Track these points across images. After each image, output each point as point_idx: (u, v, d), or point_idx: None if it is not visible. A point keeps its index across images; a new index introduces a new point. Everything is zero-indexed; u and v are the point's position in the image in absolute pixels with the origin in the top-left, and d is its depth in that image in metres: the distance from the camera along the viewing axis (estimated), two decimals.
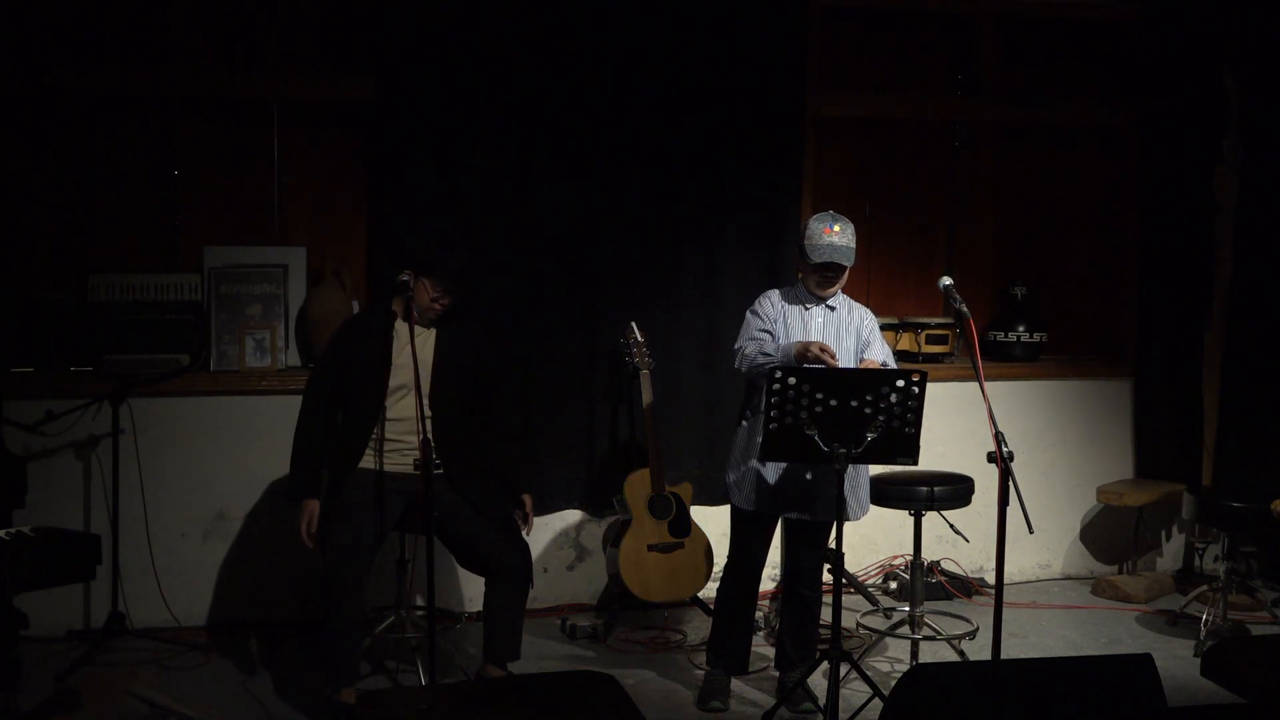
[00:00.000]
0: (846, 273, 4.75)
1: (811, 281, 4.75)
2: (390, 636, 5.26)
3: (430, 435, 4.58)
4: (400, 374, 4.73)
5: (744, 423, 4.84)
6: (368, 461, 4.78)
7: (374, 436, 4.76)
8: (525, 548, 4.92)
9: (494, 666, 4.84)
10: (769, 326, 4.75)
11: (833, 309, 4.80)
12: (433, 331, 4.82)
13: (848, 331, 4.79)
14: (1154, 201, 6.73)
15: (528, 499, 5.01)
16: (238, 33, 5.84)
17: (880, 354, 4.78)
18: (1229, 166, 6.60)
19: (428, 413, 4.65)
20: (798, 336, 4.72)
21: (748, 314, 4.83)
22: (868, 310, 4.89)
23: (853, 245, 4.70)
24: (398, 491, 4.74)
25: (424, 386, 4.64)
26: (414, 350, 4.48)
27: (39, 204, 5.75)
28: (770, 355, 4.60)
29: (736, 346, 4.78)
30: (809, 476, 4.71)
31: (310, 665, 5.25)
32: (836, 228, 4.68)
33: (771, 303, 4.81)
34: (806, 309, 4.78)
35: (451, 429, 4.79)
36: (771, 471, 4.73)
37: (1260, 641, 4.88)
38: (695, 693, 5.02)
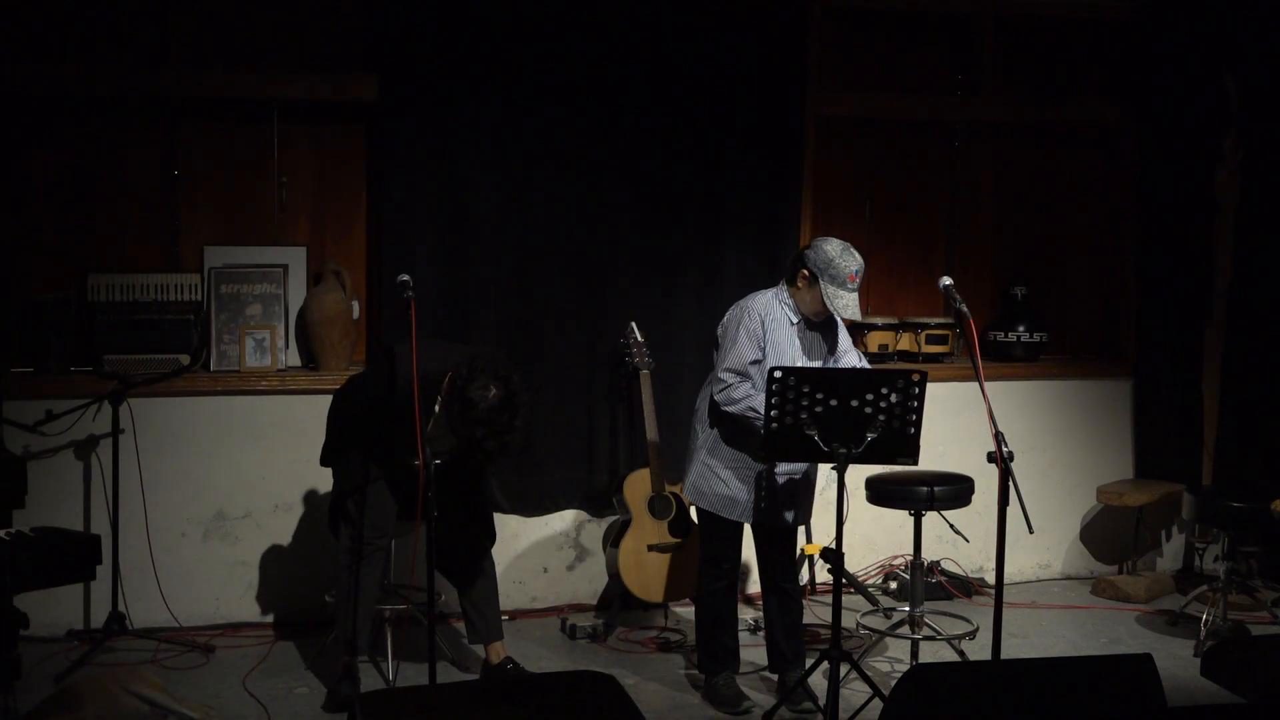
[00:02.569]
0: None
1: (811, 311, 4.73)
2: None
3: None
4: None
5: (709, 430, 4.82)
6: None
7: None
8: (490, 530, 5.04)
9: (491, 647, 5.03)
10: (759, 356, 4.67)
11: (813, 323, 4.82)
12: None
13: (823, 342, 4.84)
14: (1154, 202, 6.73)
15: None
16: (238, 33, 5.84)
17: (854, 360, 4.85)
18: (1229, 166, 6.60)
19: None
20: (782, 354, 4.71)
21: (737, 332, 4.68)
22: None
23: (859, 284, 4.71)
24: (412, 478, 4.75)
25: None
26: (415, 362, 4.48)
27: (39, 204, 5.75)
28: (759, 414, 4.50)
29: (724, 374, 4.64)
30: (784, 483, 4.75)
31: (311, 665, 5.26)
32: (857, 271, 4.64)
33: (761, 321, 4.71)
34: (791, 325, 4.76)
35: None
36: (748, 481, 4.76)
37: (1260, 641, 4.88)
38: (697, 694, 5.03)
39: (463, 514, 4.91)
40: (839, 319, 4.88)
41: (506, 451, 4.59)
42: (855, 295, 4.67)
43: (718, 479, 4.80)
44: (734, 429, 4.73)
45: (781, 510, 4.83)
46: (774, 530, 4.89)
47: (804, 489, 4.87)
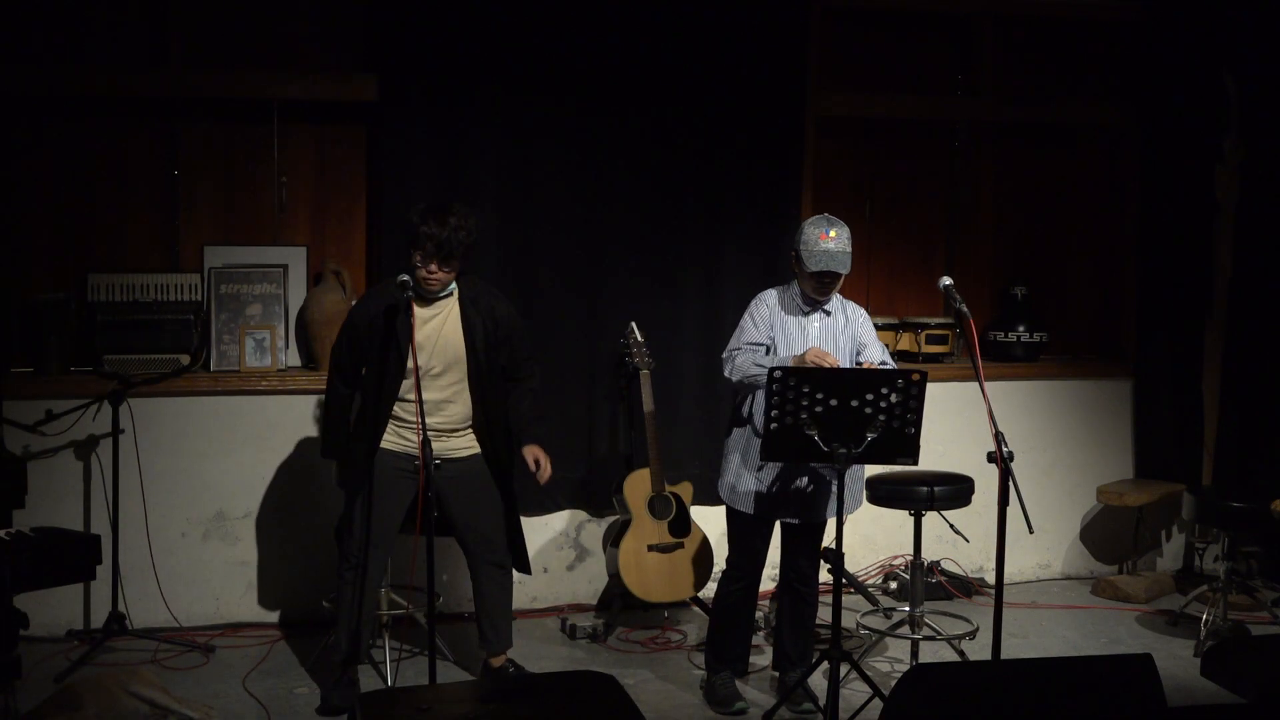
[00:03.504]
0: (843, 278, 4.73)
1: (808, 287, 4.72)
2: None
3: (474, 414, 4.80)
4: (422, 354, 4.71)
5: (735, 429, 4.84)
6: (390, 441, 4.81)
7: (395, 414, 4.80)
8: (518, 540, 5.03)
9: (494, 657, 5.06)
10: (763, 339, 4.71)
11: (829, 313, 4.78)
12: (454, 307, 4.79)
13: (844, 336, 4.78)
14: (1154, 201, 6.73)
15: (538, 451, 4.97)
16: (238, 33, 5.84)
17: (877, 354, 4.77)
18: (1229, 166, 6.60)
19: (446, 395, 4.77)
20: (797, 346, 4.71)
21: (744, 318, 4.78)
22: (860, 309, 4.88)
23: (849, 250, 4.65)
24: (414, 472, 4.76)
25: (435, 367, 4.74)
26: (413, 335, 4.50)
27: (39, 204, 5.75)
28: (763, 367, 4.55)
29: (726, 354, 4.75)
30: (805, 479, 4.72)
31: (311, 665, 5.26)
32: (833, 233, 4.62)
33: (769, 307, 4.76)
34: (805, 315, 4.75)
35: (490, 406, 4.86)
36: (768, 476, 4.74)
37: (1260, 641, 4.89)
38: (697, 694, 5.03)
39: (485, 517, 4.90)
40: (852, 306, 4.86)
41: (449, 239, 4.61)
42: (832, 250, 4.60)
43: (747, 475, 4.76)
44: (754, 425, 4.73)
45: (809, 506, 4.78)
46: (800, 530, 4.85)
47: (830, 484, 4.76)
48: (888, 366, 4.76)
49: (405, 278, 4.60)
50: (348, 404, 4.94)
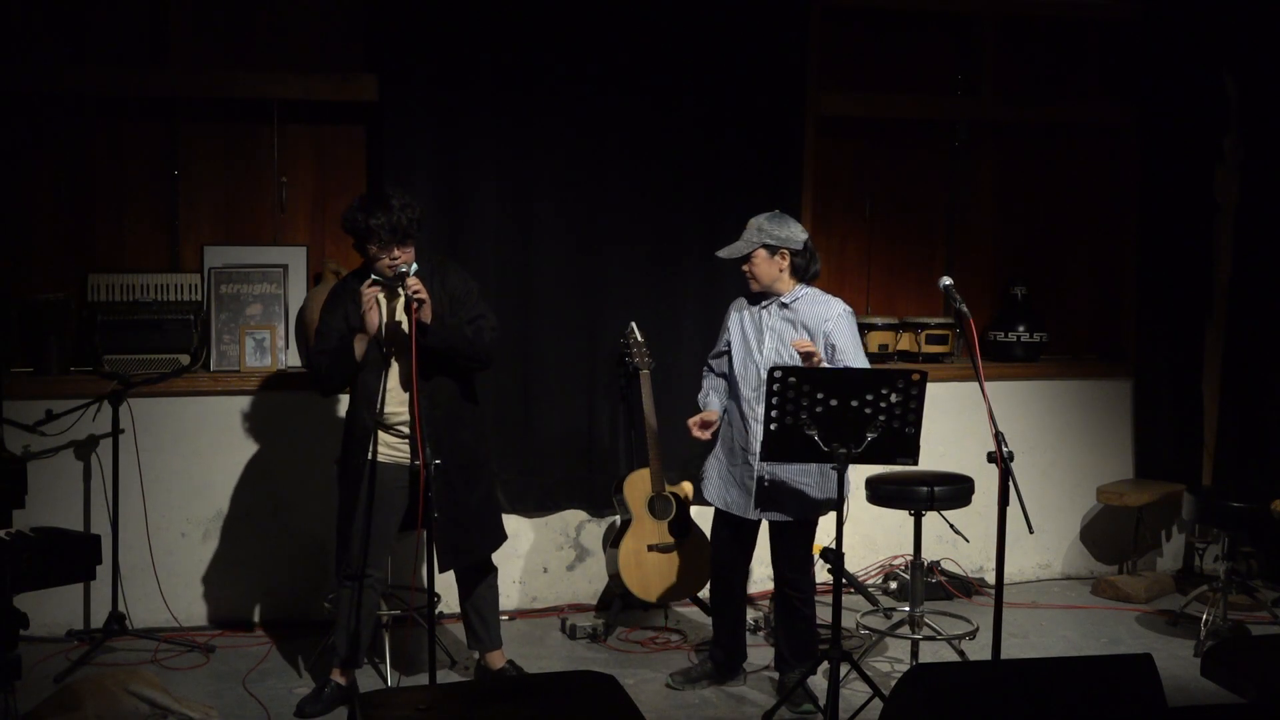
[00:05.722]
0: (759, 264, 4.84)
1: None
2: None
3: (423, 408, 4.56)
4: (391, 338, 4.70)
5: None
6: (385, 455, 4.77)
7: (377, 411, 4.76)
8: (493, 536, 4.98)
9: (491, 655, 5.06)
10: (723, 346, 4.98)
11: (786, 305, 4.84)
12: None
13: (797, 330, 4.79)
14: (1154, 201, 6.73)
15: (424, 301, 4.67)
16: (238, 32, 5.84)
17: (853, 360, 4.70)
18: (1229, 166, 6.60)
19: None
20: (751, 335, 4.86)
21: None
22: (837, 304, 4.82)
23: (745, 235, 4.87)
24: (404, 485, 4.76)
25: (396, 351, 4.69)
26: (412, 331, 4.48)
27: (39, 204, 5.75)
28: (705, 399, 5.02)
29: (705, 369, 5.10)
30: (773, 476, 4.78)
31: (310, 665, 5.26)
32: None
33: (735, 311, 4.97)
34: (764, 308, 4.87)
35: (445, 399, 4.77)
36: (726, 467, 4.88)
37: (1260, 641, 4.89)
38: (698, 694, 5.03)
39: (466, 514, 4.88)
40: (824, 303, 4.84)
41: (399, 219, 4.59)
42: (740, 243, 4.90)
43: (718, 466, 4.93)
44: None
45: (773, 504, 4.83)
46: (779, 528, 4.88)
47: (796, 483, 4.79)
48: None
49: (405, 270, 4.59)
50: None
